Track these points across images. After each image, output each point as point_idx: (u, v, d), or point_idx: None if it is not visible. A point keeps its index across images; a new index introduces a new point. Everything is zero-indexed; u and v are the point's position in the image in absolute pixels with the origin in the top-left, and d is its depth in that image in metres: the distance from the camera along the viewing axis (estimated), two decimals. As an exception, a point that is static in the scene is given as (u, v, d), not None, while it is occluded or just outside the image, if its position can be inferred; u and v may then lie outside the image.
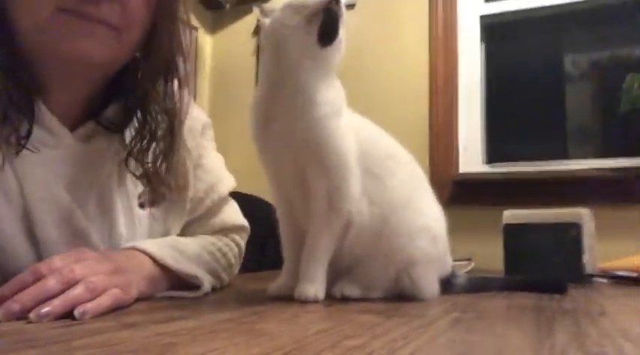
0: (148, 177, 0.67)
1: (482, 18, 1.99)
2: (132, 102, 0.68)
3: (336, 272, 0.70)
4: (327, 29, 0.63)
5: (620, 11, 1.91)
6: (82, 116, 0.66)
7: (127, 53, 0.63)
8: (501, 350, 0.39)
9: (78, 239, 0.62)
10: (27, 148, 0.58)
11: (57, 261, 0.51)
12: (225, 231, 0.83)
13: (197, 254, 0.73)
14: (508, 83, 2.01)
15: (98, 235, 0.66)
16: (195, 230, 0.80)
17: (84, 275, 0.50)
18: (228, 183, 0.85)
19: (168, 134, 0.68)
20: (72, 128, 0.64)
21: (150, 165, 0.67)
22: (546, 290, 0.81)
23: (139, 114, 0.68)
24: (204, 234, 0.80)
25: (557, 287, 0.81)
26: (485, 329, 0.48)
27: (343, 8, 0.65)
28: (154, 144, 0.68)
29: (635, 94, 1.59)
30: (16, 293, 0.47)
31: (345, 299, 0.67)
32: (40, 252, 0.60)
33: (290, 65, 0.66)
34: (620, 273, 1.07)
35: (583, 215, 1.08)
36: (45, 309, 0.45)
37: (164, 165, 0.68)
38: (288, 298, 0.66)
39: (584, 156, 1.82)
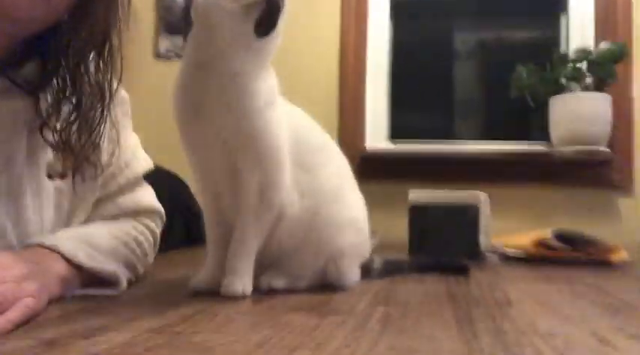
0: (63, 148, 0.63)
1: (393, -5, 2.03)
2: (52, 65, 0.65)
3: (261, 264, 0.69)
4: (265, 20, 0.60)
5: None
6: None
7: (54, 15, 0.60)
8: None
9: None
10: None
11: None
12: (140, 213, 0.78)
13: (113, 247, 0.67)
14: (412, 62, 2.08)
15: (3, 207, 0.60)
16: (107, 207, 0.74)
17: None
18: (144, 163, 0.79)
19: (95, 108, 0.65)
20: None
21: (69, 136, 0.63)
22: (452, 271, 0.89)
23: (61, 81, 0.65)
24: (117, 214, 0.75)
25: (461, 270, 0.90)
26: (416, 329, 0.51)
27: None
28: (74, 115, 0.64)
29: (523, 83, 1.75)
30: None
31: (271, 292, 0.67)
32: None
33: (222, 51, 0.61)
34: (510, 252, 1.19)
35: (481, 197, 1.18)
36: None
37: (84, 138, 0.64)
38: (212, 293, 0.64)
39: (477, 137, 1.97)
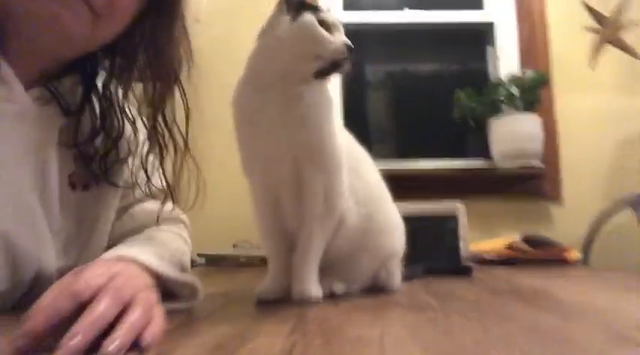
0: (89, 163, 0.66)
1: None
2: (90, 85, 0.67)
3: (320, 270, 0.71)
4: (326, 73, 0.64)
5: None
6: (37, 84, 0.61)
7: (98, 41, 0.61)
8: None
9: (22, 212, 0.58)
10: None
11: (92, 278, 0.42)
12: (175, 220, 0.77)
13: (178, 258, 0.66)
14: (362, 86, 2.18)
15: (44, 220, 0.60)
16: (132, 216, 0.73)
17: (132, 294, 0.43)
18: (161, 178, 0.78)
19: (131, 139, 0.68)
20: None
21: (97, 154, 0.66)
22: (458, 273, 0.97)
23: (100, 104, 0.67)
24: (144, 222, 0.73)
25: (465, 271, 0.99)
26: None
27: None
28: (107, 141, 0.67)
29: (464, 106, 1.93)
30: (52, 324, 0.38)
31: (333, 296, 0.69)
32: None
33: (285, 77, 0.64)
34: (487, 257, 1.31)
35: (459, 207, 1.29)
36: (115, 343, 0.37)
37: (113, 158, 0.67)
38: (280, 300, 0.65)
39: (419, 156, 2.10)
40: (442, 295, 0.71)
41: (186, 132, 0.67)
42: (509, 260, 1.31)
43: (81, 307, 0.40)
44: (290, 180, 0.67)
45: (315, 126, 0.65)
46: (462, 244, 1.28)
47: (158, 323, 0.42)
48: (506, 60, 2.06)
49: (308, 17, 0.62)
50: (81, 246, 0.66)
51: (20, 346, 0.37)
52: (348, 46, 0.62)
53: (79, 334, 0.36)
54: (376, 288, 0.74)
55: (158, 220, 0.71)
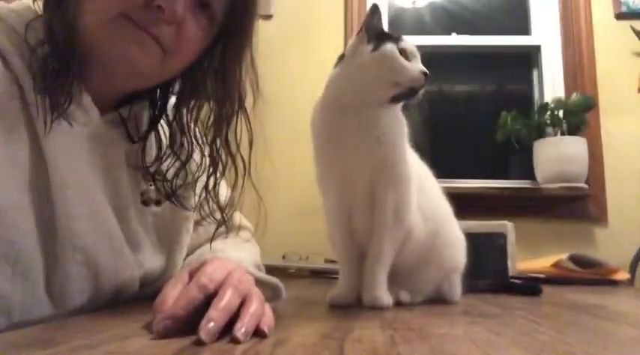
0: (159, 181, 0.69)
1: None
2: (159, 111, 0.71)
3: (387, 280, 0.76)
4: (402, 99, 0.71)
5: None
6: (110, 109, 0.66)
7: (166, 75, 0.65)
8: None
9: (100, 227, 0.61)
10: (64, 119, 0.57)
11: (214, 273, 0.49)
12: (240, 228, 0.83)
13: (258, 263, 0.73)
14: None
15: (122, 233, 0.63)
16: (207, 228, 0.77)
17: (247, 288, 0.49)
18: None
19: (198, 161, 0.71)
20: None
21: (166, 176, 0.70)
22: (526, 292, 0.99)
23: (169, 132, 0.71)
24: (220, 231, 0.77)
25: (534, 291, 1.00)
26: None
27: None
28: (176, 165, 0.70)
29: (509, 128, 1.96)
30: (188, 311, 0.45)
31: (399, 305, 0.74)
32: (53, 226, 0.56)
33: (364, 101, 0.71)
34: (537, 276, 1.33)
35: (508, 226, 1.32)
36: (242, 330, 0.44)
37: (181, 179, 0.70)
38: (348, 305, 0.70)
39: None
40: (503, 306, 0.75)
41: (249, 158, 0.68)
42: (556, 279, 1.33)
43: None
44: (363, 195, 0.73)
45: (390, 146, 0.72)
46: (509, 263, 1.31)
47: (270, 314, 0.49)
48: (551, 83, 2.09)
49: (389, 47, 0.69)
50: (166, 254, 0.71)
51: (167, 326, 0.44)
52: (424, 74, 0.69)
53: (212, 319, 0.43)
54: (438, 299, 0.79)
55: (228, 231, 0.77)
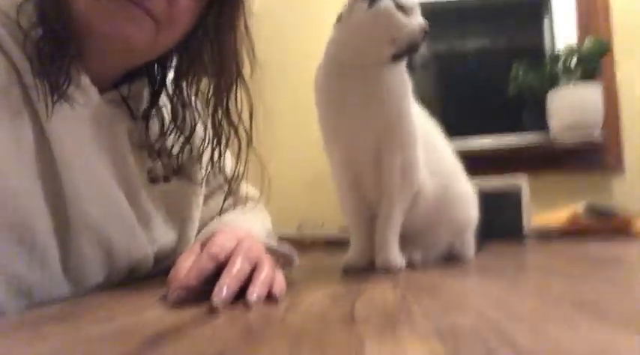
0: (165, 157, 0.70)
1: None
2: (158, 87, 0.70)
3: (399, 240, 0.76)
4: (403, 56, 0.69)
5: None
6: (109, 88, 0.66)
7: (160, 48, 0.64)
8: None
9: (111, 207, 0.61)
10: (64, 100, 0.57)
11: (224, 242, 0.49)
12: (249, 199, 0.83)
13: (269, 231, 0.74)
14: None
15: (134, 214, 0.63)
16: (217, 200, 0.77)
17: (258, 255, 0.50)
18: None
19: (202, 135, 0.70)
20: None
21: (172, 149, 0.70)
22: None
23: (171, 106, 0.70)
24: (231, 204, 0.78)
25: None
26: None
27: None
28: (180, 140, 0.70)
29: (521, 81, 1.91)
30: (200, 281, 0.46)
31: (411, 265, 0.74)
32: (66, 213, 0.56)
33: (364, 61, 0.69)
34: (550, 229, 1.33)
35: (522, 182, 1.31)
36: (254, 295, 0.45)
37: (187, 153, 0.71)
38: (362, 269, 0.71)
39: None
40: (517, 262, 0.75)
41: (251, 127, 0.68)
42: (572, 232, 1.32)
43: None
44: (370, 157, 0.72)
45: (394, 106, 0.70)
46: (525, 218, 1.31)
47: (281, 279, 0.49)
48: (563, 31, 2.02)
49: (385, 2, 0.66)
50: (178, 229, 0.71)
51: (181, 295, 0.45)
52: (421, 28, 0.67)
53: (225, 286, 0.44)
54: (451, 259, 0.79)
55: (236, 202, 0.77)
